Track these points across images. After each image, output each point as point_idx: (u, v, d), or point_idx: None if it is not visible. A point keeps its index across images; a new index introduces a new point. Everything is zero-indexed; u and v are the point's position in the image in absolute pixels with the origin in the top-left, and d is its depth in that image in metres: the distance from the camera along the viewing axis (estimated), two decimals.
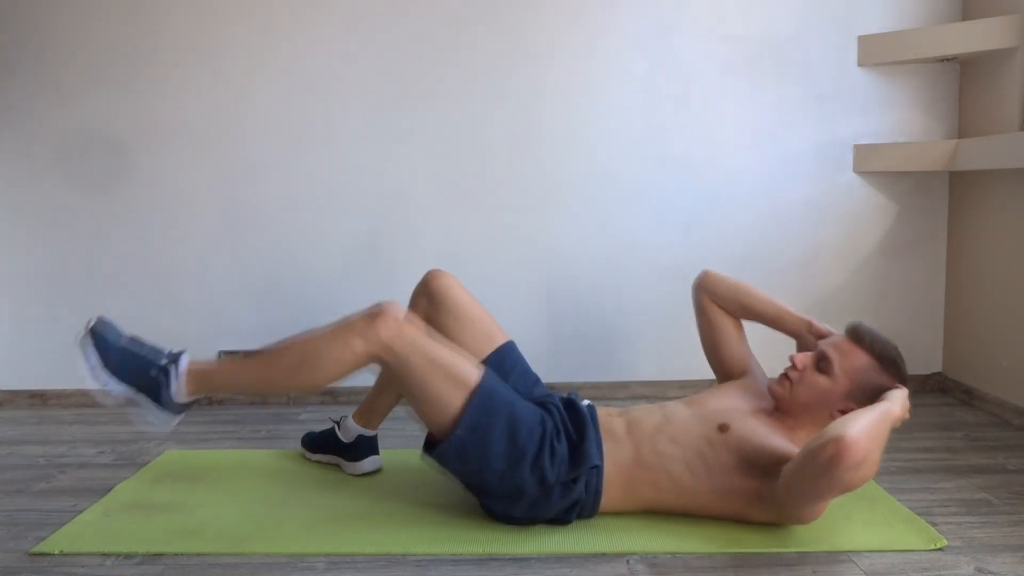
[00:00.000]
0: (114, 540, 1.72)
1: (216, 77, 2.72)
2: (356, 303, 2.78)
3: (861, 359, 1.72)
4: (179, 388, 1.72)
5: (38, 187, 2.76)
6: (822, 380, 1.73)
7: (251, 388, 1.74)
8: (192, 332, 2.81)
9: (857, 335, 1.75)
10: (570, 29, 2.72)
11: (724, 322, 2.00)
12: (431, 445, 1.77)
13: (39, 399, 2.83)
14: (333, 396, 2.82)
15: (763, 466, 1.67)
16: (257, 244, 2.78)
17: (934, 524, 1.76)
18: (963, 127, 2.75)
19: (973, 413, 2.60)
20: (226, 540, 1.71)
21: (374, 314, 1.70)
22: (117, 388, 1.72)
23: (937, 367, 2.88)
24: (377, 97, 2.73)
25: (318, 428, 2.31)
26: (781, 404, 1.78)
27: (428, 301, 1.99)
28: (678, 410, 1.84)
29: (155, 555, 1.66)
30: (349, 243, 2.78)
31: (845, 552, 1.64)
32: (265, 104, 2.73)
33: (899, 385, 1.70)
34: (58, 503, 1.94)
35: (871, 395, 1.68)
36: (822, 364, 1.74)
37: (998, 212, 2.57)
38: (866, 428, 1.48)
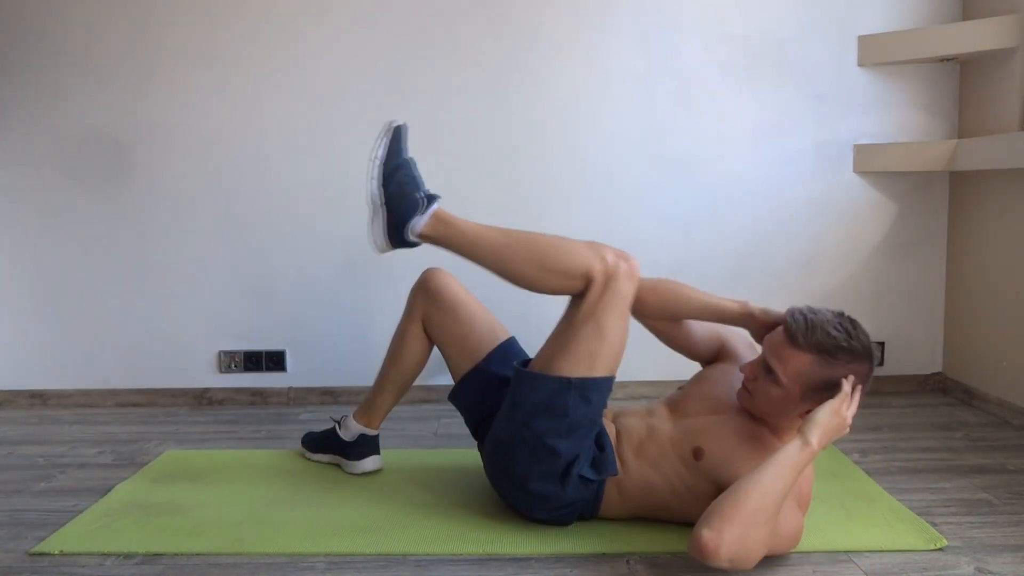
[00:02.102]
0: (114, 540, 1.72)
1: (216, 77, 2.72)
2: (356, 303, 2.80)
3: (802, 360, 1.59)
4: (421, 221, 1.75)
5: (38, 187, 2.76)
6: (774, 389, 1.62)
7: (481, 258, 1.77)
8: (191, 332, 2.81)
9: (790, 334, 1.60)
10: (570, 29, 2.72)
11: (674, 327, 1.90)
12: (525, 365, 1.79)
13: (39, 399, 2.83)
14: (333, 396, 2.83)
15: None
16: (256, 244, 2.78)
17: (934, 524, 1.76)
18: (963, 127, 2.75)
19: (973, 413, 2.61)
20: (226, 540, 1.71)
21: (627, 256, 1.74)
22: (376, 190, 1.76)
23: (937, 367, 2.88)
24: (376, 97, 2.73)
25: (318, 428, 2.31)
26: (752, 412, 1.70)
27: (426, 299, 1.99)
28: (661, 423, 1.78)
29: (155, 555, 1.66)
30: (349, 243, 2.78)
31: (845, 552, 1.64)
32: (265, 104, 2.73)
33: (853, 368, 1.59)
34: (58, 503, 1.94)
35: (829, 388, 1.58)
36: (769, 374, 1.63)
37: (998, 212, 2.57)
38: (735, 516, 1.43)
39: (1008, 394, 2.51)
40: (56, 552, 1.67)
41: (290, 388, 2.84)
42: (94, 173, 2.75)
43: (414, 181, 1.79)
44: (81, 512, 1.87)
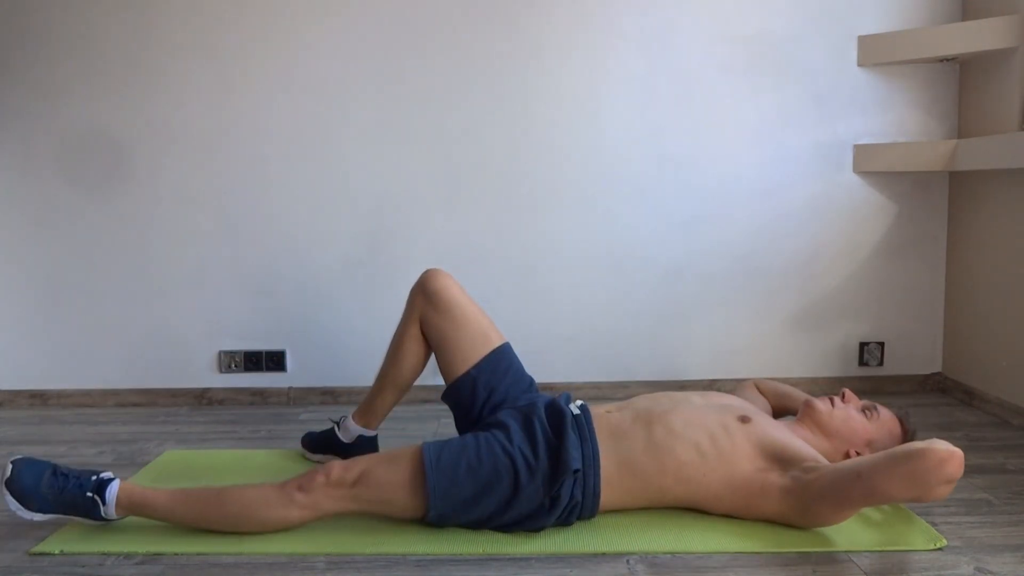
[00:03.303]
0: (114, 540, 1.71)
1: (215, 77, 2.72)
2: (356, 303, 2.80)
3: (897, 428, 1.90)
4: (110, 511, 1.71)
5: (38, 187, 2.76)
6: (859, 418, 1.88)
7: (185, 524, 1.75)
8: (191, 332, 2.81)
9: (906, 416, 1.94)
10: (570, 29, 2.72)
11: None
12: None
13: (39, 399, 2.83)
14: (333, 396, 2.83)
15: (785, 459, 1.70)
16: (256, 244, 2.78)
17: (934, 524, 1.76)
18: (963, 127, 2.75)
19: (973, 413, 2.60)
20: (226, 540, 1.71)
21: (306, 480, 1.70)
22: (46, 518, 1.71)
23: (937, 367, 2.88)
24: (376, 98, 2.73)
25: (318, 428, 2.31)
26: (815, 417, 1.89)
27: (425, 301, 1.99)
28: (692, 398, 1.90)
29: (155, 555, 1.66)
30: (348, 243, 2.78)
31: (845, 552, 1.64)
32: (264, 104, 2.73)
33: None
34: None
35: (879, 450, 1.80)
36: (868, 411, 1.90)
37: (998, 212, 2.57)
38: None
39: (1008, 394, 2.51)
40: (56, 552, 1.67)
41: (290, 388, 2.84)
42: (94, 173, 2.75)
43: (69, 496, 1.70)
44: None
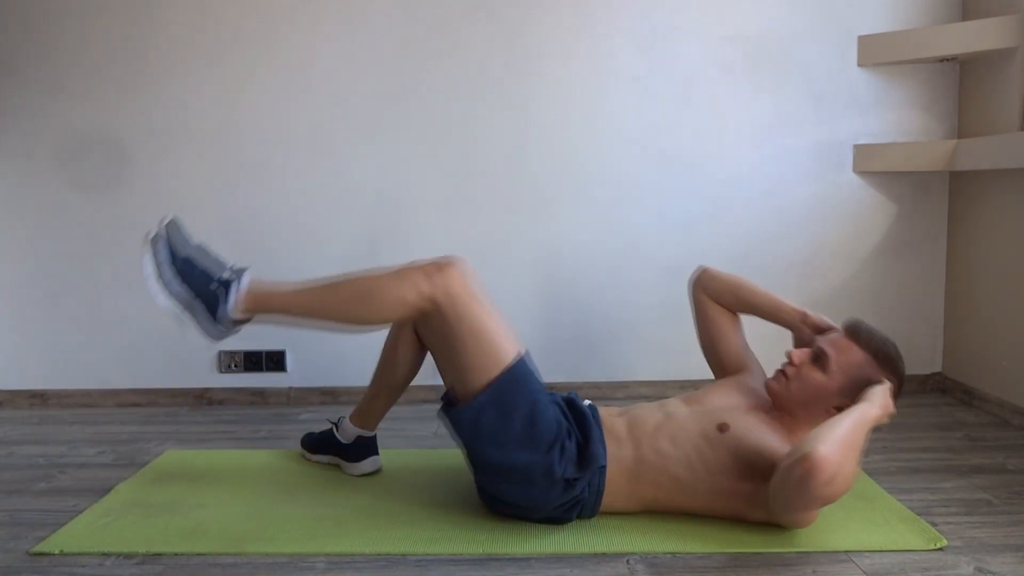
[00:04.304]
0: (114, 540, 1.72)
1: (215, 77, 2.72)
2: None
3: (857, 355, 1.72)
4: (235, 305, 1.71)
5: (38, 187, 2.76)
6: (818, 376, 1.72)
7: (306, 316, 1.73)
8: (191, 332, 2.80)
9: (855, 331, 1.75)
10: (570, 29, 2.72)
11: (721, 318, 2.01)
12: (450, 404, 1.76)
13: (39, 399, 2.83)
14: (333, 396, 2.83)
15: (760, 469, 1.68)
16: (256, 244, 2.78)
17: (934, 524, 1.76)
18: (963, 127, 2.75)
19: (973, 413, 2.61)
20: (226, 540, 1.71)
21: (444, 263, 1.71)
22: (175, 291, 1.71)
23: (937, 367, 2.88)
24: (376, 97, 2.73)
25: (318, 428, 2.31)
26: (778, 401, 1.78)
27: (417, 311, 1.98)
28: (678, 408, 1.84)
29: (155, 555, 1.66)
30: (349, 243, 2.78)
31: (845, 552, 1.64)
32: (264, 104, 2.73)
33: (892, 382, 1.72)
34: (58, 503, 1.94)
35: (863, 390, 1.69)
36: (819, 360, 1.73)
37: (998, 212, 2.57)
38: (838, 441, 1.50)
39: (1008, 394, 2.51)
40: (56, 552, 1.67)
41: (290, 388, 2.84)
42: (95, 174, 2.76)
43: (204, 274, 1.73)
44: (81, 512, 1.87)
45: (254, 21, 2.71)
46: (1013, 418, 2.47)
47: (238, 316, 1.74)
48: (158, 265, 1.71)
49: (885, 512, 1.82)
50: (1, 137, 2.75)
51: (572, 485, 1.71)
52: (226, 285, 1.72)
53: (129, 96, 2.73)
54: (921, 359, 2.87)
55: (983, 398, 2.63)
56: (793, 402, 1.75)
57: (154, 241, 1.73)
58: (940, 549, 1.65)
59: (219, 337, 1.77)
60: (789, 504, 1.59)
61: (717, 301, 2.01)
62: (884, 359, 1.72)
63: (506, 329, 1.74)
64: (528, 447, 1.68)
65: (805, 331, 1.86)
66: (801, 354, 1.76)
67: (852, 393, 1.70)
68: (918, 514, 1.81)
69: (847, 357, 1.72)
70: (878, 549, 1.65)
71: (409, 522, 1.79)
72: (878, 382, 1.69)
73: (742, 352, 2.00)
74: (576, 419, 1.79)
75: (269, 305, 1.74)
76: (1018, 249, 2.47)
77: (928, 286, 2.85)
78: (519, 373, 1.71)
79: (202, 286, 1.72)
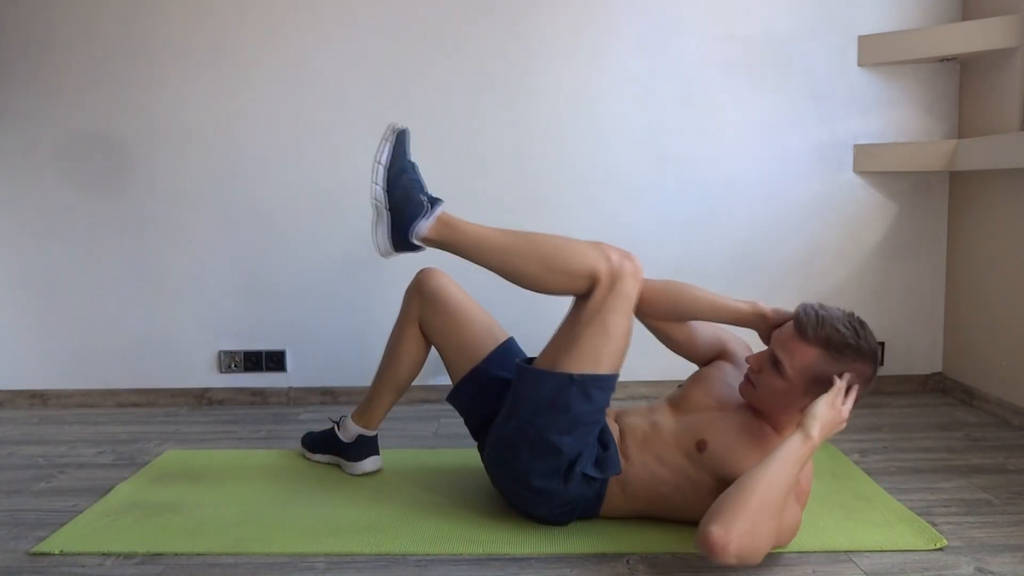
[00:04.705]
0: (114, 540, 1.72)
1: (215, 77, 2.72)
2: (356, 303, 2.80)
3: (809, 353, 1.61)
4: (426, 225, 1.75)
5: (38, 187, 2.76)
6: (778, 381, 1.64)
7: (486, 261, 1.77)
8: (191, 332, 2.81)
9: (801, 327, 1.62)
10: (571, 29, 2.72)
11: (678, 329, 1.89)
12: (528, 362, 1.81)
13: (39, 399, 2.83)
14: (333, 396, 2.83)
15: None
16: (256, 244, 2.78)
17: (934, 524, 1.76)
18: (963, 127, 2.75)
19: (973, 413, 2.60)
20: (226, 540, 1.71)
21: (633, 256, 1.75)
22: (381, 194, 1.75)
23: (937, 367, 2.88)
24: (376, 97, 2.73)
25: (318, 428, 2.31)
26: (752, 405, 1.72)
27: (422, 301, 1.98)
28: (664, 419, 1.80)
29: (155, 555, 1.66)
30: (348, 242, 2.78)
31: (845, 552, 1.64)
32: (264, 104, 2.73)
33: (857, 367, 1.61)
34: (58, 503, 1.94)
35: (832, 384, 1.60)
36: (776, 366, 1.64)
37: (998, 212, 2.57)
38: (741, 511, 1.44)
39: (1008, 394, 2.51)
40: (56, 552, 1.67)
41: (290, 388, 2.84)
42: (93, 173, 2.75)
43: (418, 184, 1.79)
44: (81, 512, 1.87)
45: (254, 22, 2.71)
46: (1013, 418, 2.47)
47: (426, 236, 1.77)
48: (380, 164, 1.77)
49: (885, 512, 1.82)
50: (1, 137, 2.75)
51: (590, 482, 1.71)
52: (433, 203, 1.77)
53: (128, 96, 2.73)
54: (921, 359, 2.87)
55: (983, 398, 2.63)
56: (765, 406, 1.69)
57: (399, 136, 1.78)
58: (940, 549, 1.65)
59: (389, 252, 1.80)
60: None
61: (663, 319, 1.88)
62: (837, 349, 1.60)
63: (627, 339, 1.77)
64: (574, 436, 1.70)
65: (763, 328, 1.75)
66: (758, 359, 1.69)
67: (816, 390, 1.61)
68: (918, 514, 1.81)
69: (800, 359, 1.61)
70: (878, 549, 1.65)
71: (409, 522, 1.79)
72: (838, 375, 1.59)
73: (714, 340, 1.90)
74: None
75: (456, 238, 1.78)
76: (1018, 249, 2.47)
77: (928, 286, 2.85)
78: (609, 384, 1.74)
79: (407, 195, 1.76)
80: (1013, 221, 2.49)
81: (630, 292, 1.73)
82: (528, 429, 1.71)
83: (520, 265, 1.76)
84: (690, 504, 1.69)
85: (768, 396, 1.67)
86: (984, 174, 2.63)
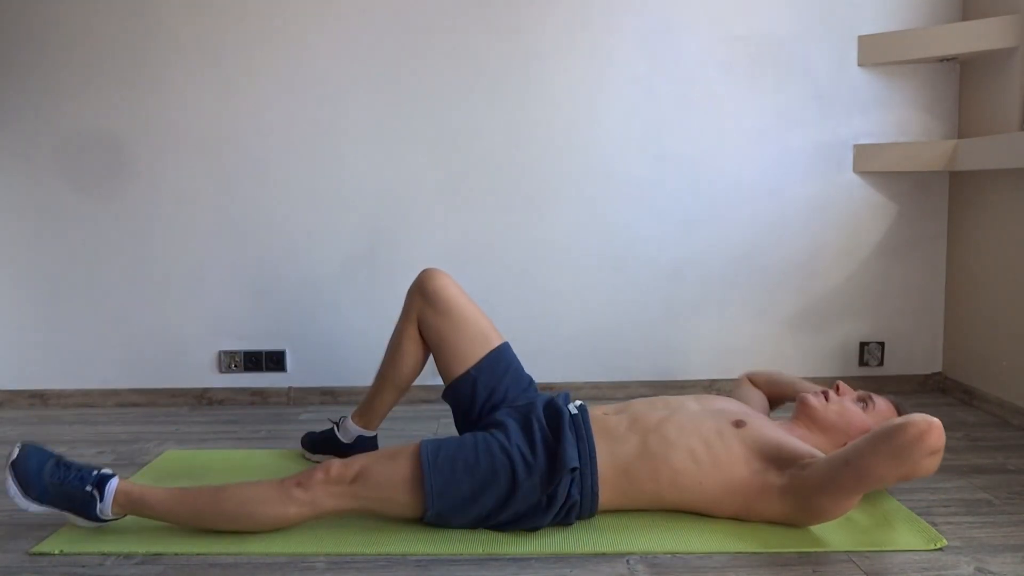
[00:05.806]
0: (114, 540, 1.72)
1: (215, 77, 2.72)
2: (356, 303, 2.80)
3: (894, 416, 1.87)
4: (105, 509, 1.70)
5: (38, 187, 2.76)
6: (855, 410, 1.86)
7: (184, 524, 1.75)
8: (191, 332, 2.81)
9: (899, 405, 1.93)
10: (571, 29, 2.72)
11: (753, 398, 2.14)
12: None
13: (39, 399, 2.83)
14: (333, 396, 2.83)
15: (781, 459, 1.70)
16: (256, 244, 2.78)
17: (934, 524, 1.76)
18: (963, 127, 2.75)
19: (973, 413, 2.60)
20: (226, 540, 1.71)
21: (305, 477, 1.70)
22: (41, 509, 1.70)
23: (937, 367, 2.88)
24: (376, 98, 2.73)
25: (318, 428, 2.31)
26: (809, 413, 1.87)
27: (423, 301, 1.99)
28: (687, 404, 1.89)
29: (155, 555, 1.66)
30: (349, 243, 2.78)
31: (845, 552, 1.64)
32: (264, 105, 2.73)
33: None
34: None
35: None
36: (863, 401, 1.89)
37: (998, 212, 2.57)
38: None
39: (1008, 394, 2.51)
40: (56, 552, 1.67)
41: (290, 388, 2.84)
42: (94, 173, 2.75)
43: (69, 488, 1.69)
44: None
45: (254, 22, 2.70)
46: (1013, 418, 2.47)
47: (117, 513, 1.72)
48: (13, 497, 1.69)
49: (885, 512, 1.82)
50: (1, 137, 2.74)
51: (553, 498, 1.70)
52: (91, 496, 1.69)
53: (128, 96, 2.72)
54: (921, 359, 2.87)
55: (983, 398, 2.63)
56: (823, 420, 1.86)
57: (20, 458, 1.70)
58: (940, 549, 1.65)
59: (103, 524, 1.75)
60: (867, 474, 1.58)
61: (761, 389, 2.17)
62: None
63: (396, 447, 1.77)
64: (489, 493, 1.70)
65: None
66: (848, 388, 1.92)
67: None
68: (918, 514, 1.81)
69: (886, 413, 1.88)
70: (878, 549, 1.65)
71: (409, 522, 1.79)
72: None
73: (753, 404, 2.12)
74: (551, 423, 1.77)
75: (145, 508, 1.72)
76: (1018, 249, 2.47)
77: (928, 286, 2.85)
78: (427, 459, 1.71)
79: (69, 500, 1.70)
80: (1013, 221, 2.49)
81: (334, 491, 1.70)
82: (466, 502, 1.71)
83: (213, 525, 1.73)
84: (704, 477, 1.72)
85: (837, 414, 1.86)
86: (984, 174, 2.63)
